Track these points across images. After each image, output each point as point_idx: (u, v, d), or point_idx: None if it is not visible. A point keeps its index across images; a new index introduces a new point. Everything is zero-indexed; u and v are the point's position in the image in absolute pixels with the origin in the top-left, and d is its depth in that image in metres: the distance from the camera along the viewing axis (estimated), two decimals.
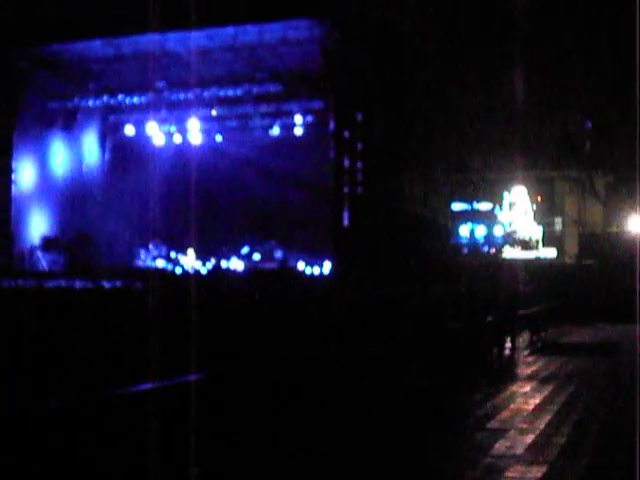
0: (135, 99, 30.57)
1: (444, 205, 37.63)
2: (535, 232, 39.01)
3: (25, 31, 26.93)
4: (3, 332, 9.80)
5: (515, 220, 39.50)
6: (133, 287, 21.14)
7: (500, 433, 9.78)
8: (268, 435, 8.95)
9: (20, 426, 6.25)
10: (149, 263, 31.46)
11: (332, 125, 27.36)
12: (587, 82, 35.15)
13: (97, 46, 28.18)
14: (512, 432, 9.85)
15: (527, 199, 39.56)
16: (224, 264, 30.78)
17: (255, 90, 29.25)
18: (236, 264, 30.66)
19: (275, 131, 31.55)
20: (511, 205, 40.03)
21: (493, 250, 37.67)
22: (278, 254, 31.12)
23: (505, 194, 39.73)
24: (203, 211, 29.89)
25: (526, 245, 38.33)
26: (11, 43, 27.40)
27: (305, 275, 28.44)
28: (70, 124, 31.28)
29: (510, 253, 37.56)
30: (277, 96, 29.38)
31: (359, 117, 27.06)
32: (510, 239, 38.53)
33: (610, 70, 33.55)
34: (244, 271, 29.62)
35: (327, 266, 27.83)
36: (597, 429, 10.26)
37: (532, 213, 39.59)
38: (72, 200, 31.01)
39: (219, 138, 32.68)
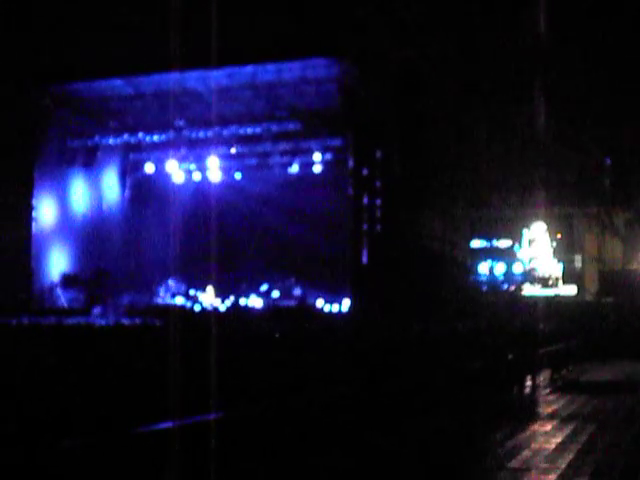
0: (155, 137, 30.75)
1: (463, 242, 37.54)
2: (555, 269, 38.79)
3: (47, 70, 27.26)
4: (22, 370, 9.80)
5: (535, 257, 39.33)
6: (152, 324, 21.15)
7: (521, 473, 9.68)
8: (287, 474, 8.90)
9: (33, 467, 6.21)
10: (168, 300, 31.50)
11: (351, 163, 27.46)
12: (607, 119, 35.12)
13: (118, 85, 28.48)
14: (533, 472, 9.74)
15: (547, 236, 39.39)
16: (243, 301, 30.77)
17: (274, 128, 29.40)
18: (255, 301, 30.65)
19: (294, 169, 31.68)
20: (530, 242, 39.88)
21: (512, 287, 37.48)
22: (297, 291, 31.10)
23: (524, 231, 39.57)
24: (222, 248, 29.96)
25: (546, 282, 38.12)
26: (34, 81, 27.72)
27: (324, 313, 28.37)
28: (90, 162, 31.49)
29: (530, 290, 37.36)
30: (296, 134, 29.53)
31: (378, 154, 27.14)
32: (530, 276, 38.32)
33: (630, 107, 33.54)
34: (263, 308, 29.60)
35: (346, 303, 27.77)
36: (619, 469, 10.14)
37: (552, 250, 39.40)
38: (92, 237, 31.15)
39: (238, 176, 32.82)
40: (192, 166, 32.61)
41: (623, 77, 33.30)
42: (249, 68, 27.02)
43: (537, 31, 33.85)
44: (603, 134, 35.95)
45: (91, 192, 31.96)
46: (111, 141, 31.29)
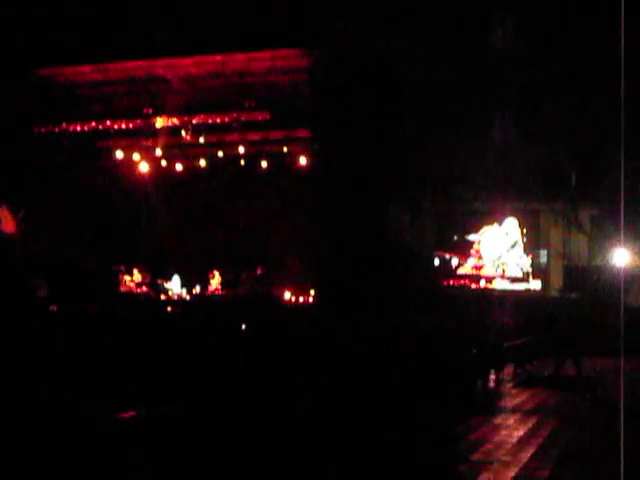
0: (123, 125, 30.45)
1: (431, 236, 37.67)
2: (525, 264, 38.95)
3: (14, 55, 26.97)
4: None
5: (504, 252, 39.45)
6: (117, 313, 21.06)
7: (483, 466, 9.73)
8: (249, 468, 8.88)
9: None
10: (133, 289, 31.26)
11: (319, 154, 27.41)
12: (574, 116, 35.38)
13: (86, 71, 28.24)
14: (495, 465, 9.80)
15: (517, 231, 39.54)
16: (209, 291, 30.64)
17: (242, 118, 29.24)
18: (221, 292, 30.51)
19: (262, 159, 31.50)
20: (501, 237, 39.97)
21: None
22: (263, 282, 30.95)
23: (495, 226, 39.69)
24: (188, 237, 29.82)
25: (516, 277, 38.28)
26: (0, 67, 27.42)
27: (290, 304, 28.34)
28: (58, 149, 31.12)
29: (500, 285, 37.51)
30: (264, 124, 29.37)
31: (346, 147, 27.11)
32: (499, 271, 38.49)
33: (597, 104, 33.78)
34: (229, 299, 29.47)
35: (312, 295, 27.77)
36: (580, 463, 10.23)
37: (522, 245, 39.54)
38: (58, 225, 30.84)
39: (206, 165, 32.56)
40: (159, 154, 32.31)
41: (590, 74, 33.59)
42: (218, 57, 26.93)
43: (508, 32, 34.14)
44: (570, 130, 36.23)
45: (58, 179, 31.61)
46: (79, 128, 30.93)
